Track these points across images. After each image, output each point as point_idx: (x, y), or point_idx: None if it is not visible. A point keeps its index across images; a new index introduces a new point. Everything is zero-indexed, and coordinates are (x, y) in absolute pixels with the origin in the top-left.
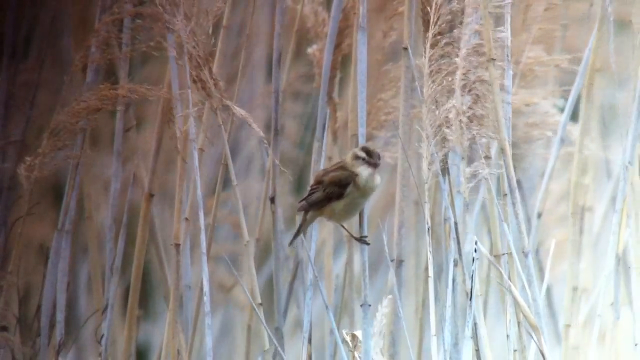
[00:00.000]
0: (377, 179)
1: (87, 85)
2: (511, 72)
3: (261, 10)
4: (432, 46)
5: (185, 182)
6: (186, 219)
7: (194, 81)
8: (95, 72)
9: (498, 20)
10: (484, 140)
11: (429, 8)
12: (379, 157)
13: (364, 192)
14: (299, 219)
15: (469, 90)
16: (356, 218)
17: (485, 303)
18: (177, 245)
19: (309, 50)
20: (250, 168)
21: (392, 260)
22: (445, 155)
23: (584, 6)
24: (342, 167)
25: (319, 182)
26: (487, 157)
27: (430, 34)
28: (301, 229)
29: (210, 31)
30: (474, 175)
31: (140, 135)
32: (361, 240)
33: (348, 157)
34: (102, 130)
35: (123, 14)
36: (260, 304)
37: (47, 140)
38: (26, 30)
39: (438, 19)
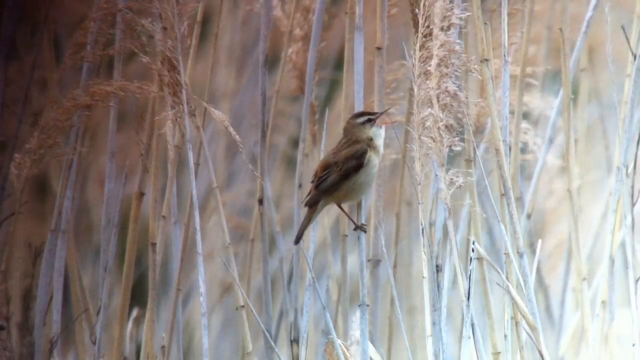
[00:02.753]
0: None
1: (82, 83)
2: (508, 73)
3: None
4: (421, 47)
5: (163, 182)
6: (163, 216)
7: (167, 85)
8: (90, 69)
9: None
10: (458, 148)
11: (417, 10)
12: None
13: (380, 152)
14: (300, 217)
15: (440, 100)
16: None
17: None
18: (153, 245)
19: (285, 53)
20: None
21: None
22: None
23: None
24: (354, 142)
25: (327, 167)
26: (469, 161)
27: (419, 35)
28: (309, 223)
29: (185, 32)
30: (452, 182)
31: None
32: (360, 227)
33: (351, 132)
34: (97, 129)
35: (111, 9)
36: (242, 306)
37: (37, 138)
38: (20, 29)
39: (426, 20)
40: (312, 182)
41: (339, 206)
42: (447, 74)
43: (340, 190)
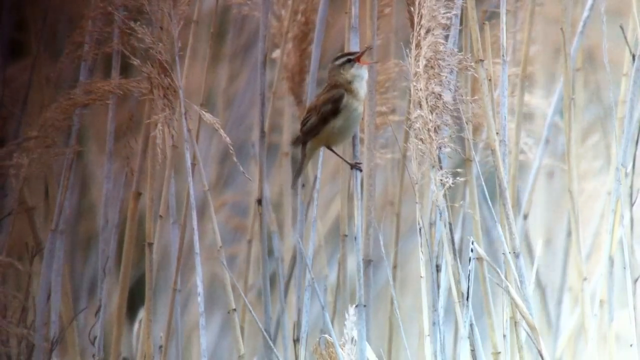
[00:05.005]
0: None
1: (80, 82)
2: (507, 73)
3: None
4: (417, 46)
5: (158, 181)
6: (160, 216)
7: (157, 87)
8: (89, 68)
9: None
10: (448, 149)
11: (412, 8)
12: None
13: (360, 95)
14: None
15: (428, 102)
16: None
17: None
18: (150, 245)
19: (274, 54)
20: (250, 167)
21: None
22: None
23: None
24: (333, 86)
25: (310, 110)
26: (469, 161)
27: (415, 34)
28: (302, 166)
29: (176, 35)
30: (442, 183)
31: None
32: (355, 166)
33: (332, 75)
34: (98, 128)
35: (108, 7)
36: (234, 310)
37: (34, 138)
38: (20, 29)
39: (421, 19)
40: (300, 124)
41: (329, 148)
42: (433, 75)
43: (322, 134)
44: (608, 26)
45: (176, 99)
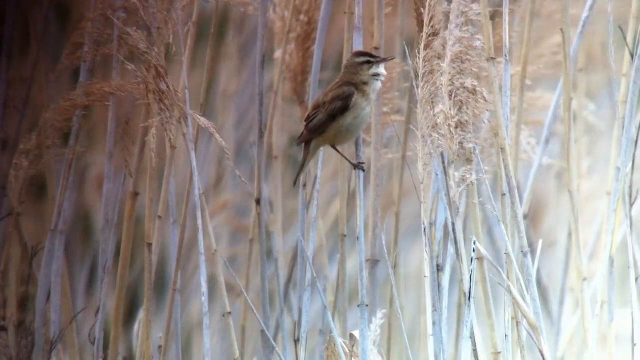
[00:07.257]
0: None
1: (81, 83)
2: (510, 72)
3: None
4: (426, 47)
5: (157, 181)
6: (159, 216)
7: (152, 92)
8: (89, 69)
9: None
10: (470, 145)
11: (422, 9)
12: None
13: (370, 97)
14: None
15: (454, 97)
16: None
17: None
18: (149, 245)
19: (276, 54)
20: (249, 167)
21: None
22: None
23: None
24: (345, 83)
25: (317, 107)
26: (470, 160)
27: (424, 34)
28: (305, 163)
29: (171, 39)
30: (463, 180)
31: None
32: (358, 166)
33: (348, 71)
34: (96, 129)
35: (106, 9)
36: (229, 313)
37: (35, 139)
38: (22, 30)
39: (431, 19)
40: (304, 121)
41: (334, 147)
42: (462, 70)
43: (329, 132)
44: (605, 26)
45: (172, 103)
